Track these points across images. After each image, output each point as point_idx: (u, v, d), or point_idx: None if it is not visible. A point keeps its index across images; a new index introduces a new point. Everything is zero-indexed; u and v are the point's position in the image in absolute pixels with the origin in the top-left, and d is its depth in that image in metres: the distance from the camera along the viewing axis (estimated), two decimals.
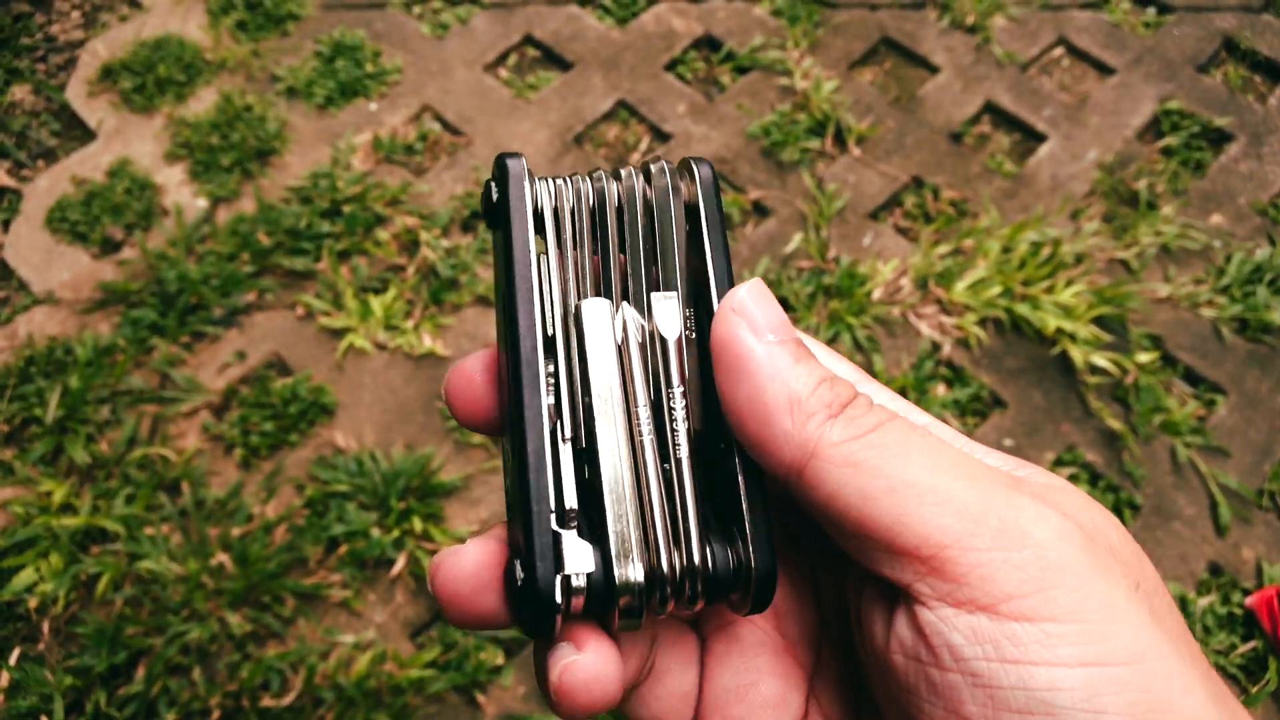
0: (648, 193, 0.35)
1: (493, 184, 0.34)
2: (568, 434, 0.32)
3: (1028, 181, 2.02)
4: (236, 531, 1.58)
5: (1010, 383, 1.76)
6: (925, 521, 0.28)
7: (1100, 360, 1.75)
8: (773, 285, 1.84)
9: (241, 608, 1.52)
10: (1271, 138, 2.09)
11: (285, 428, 1.68)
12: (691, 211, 0.35)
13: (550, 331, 0.33)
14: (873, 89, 2.17)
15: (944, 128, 2.10)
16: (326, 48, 2.19)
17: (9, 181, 2.02)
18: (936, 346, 1.79)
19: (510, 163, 0.33)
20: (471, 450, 1.67)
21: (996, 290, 1.82)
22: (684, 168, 0.36)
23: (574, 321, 0.33)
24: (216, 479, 1.65)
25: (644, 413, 0.32)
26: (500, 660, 1.49)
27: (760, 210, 1.98)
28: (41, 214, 1.95)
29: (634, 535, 0.31)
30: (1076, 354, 1.75)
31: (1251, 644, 1.52)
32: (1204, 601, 1.55)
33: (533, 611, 0.31)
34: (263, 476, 1.64)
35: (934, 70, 2.20)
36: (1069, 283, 1.84)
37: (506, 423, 0.33)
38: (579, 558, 0.31)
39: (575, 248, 0.34)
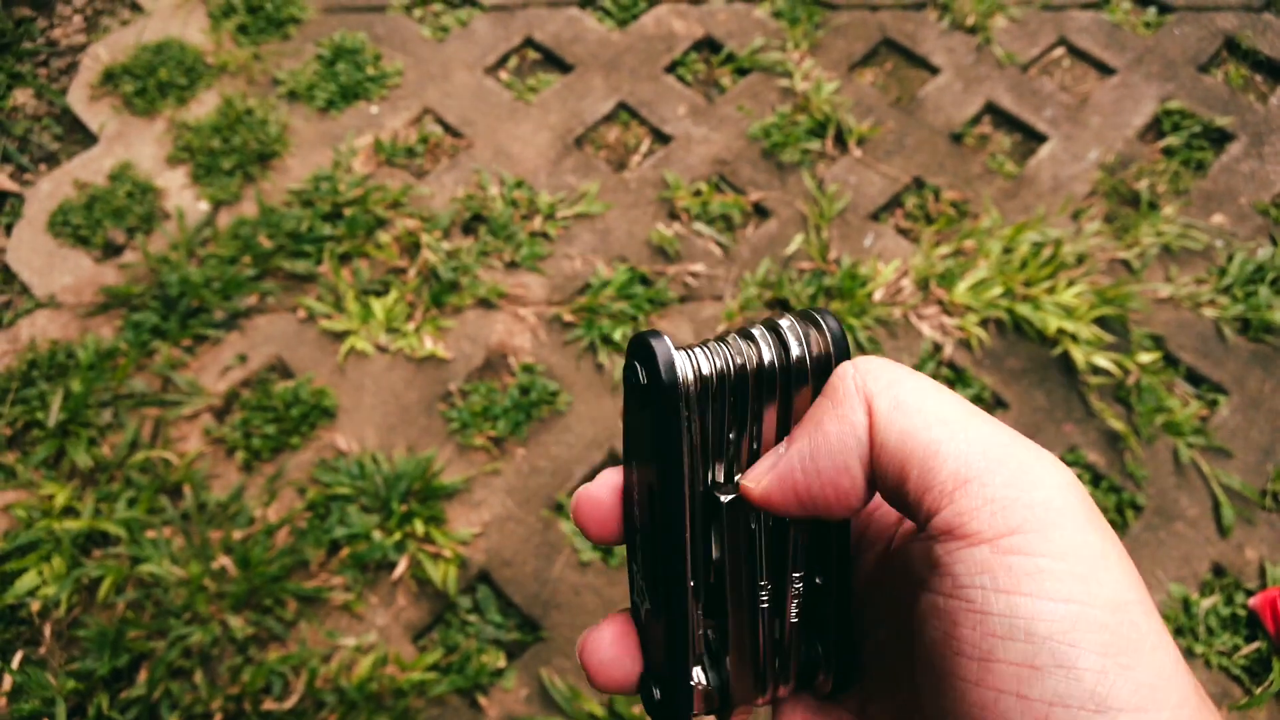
0: (780, 357, 0.36)
1: (639, 366, 0.35)
2: (700, 600, 0.37)
3: (1029, 182, 2.02)
4: (238, 534, 1.58)
5: (1012, 383, 1.76)
6: (955, 454, 0.30)
7: (1102, 361, 1.75)
8: (774, 286, 1.84)
9: (243, 611, 1.52)
10: (1273, 137, 2.08)
11: (287, 430, 1.68)
12: (822, 366, 0.36)
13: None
14: (873, 90, 2.17)
15: (945, 128, 2.10)
16: (327, 51, 2.20)
17: (11, 185, 2.02)
18: (938, 347, 1.79)
19: (657, 346, 0.34)
20: (473, 453, 1.67)
21: (998, 291, 1.82)
22: (810, 320, 0.36)
23: (715, 510, 0.36)
24: (218, 482, 1.65)
25: (764, 581, 0.38)
26: (502, 663, 1.49)
27: (761, 212, 1.98)
28: (43, 218, 1.95)
29: (749, 670, 0.38)
30: (1078, 354, 1.75)
31: (1255, 645, 1.52)
32: (1207, 602, 1.54)
33: None
34: (264, 479, 1.64)
35: (934, 71, 2.20)
36: (1070, 283, 1.84)
37: (635, 552, 0.38)
38: (702, 678, 0.38)
39: (714, 423, 0.36)
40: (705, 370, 0.35)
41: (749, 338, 0.36)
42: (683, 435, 0.35)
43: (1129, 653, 0.27)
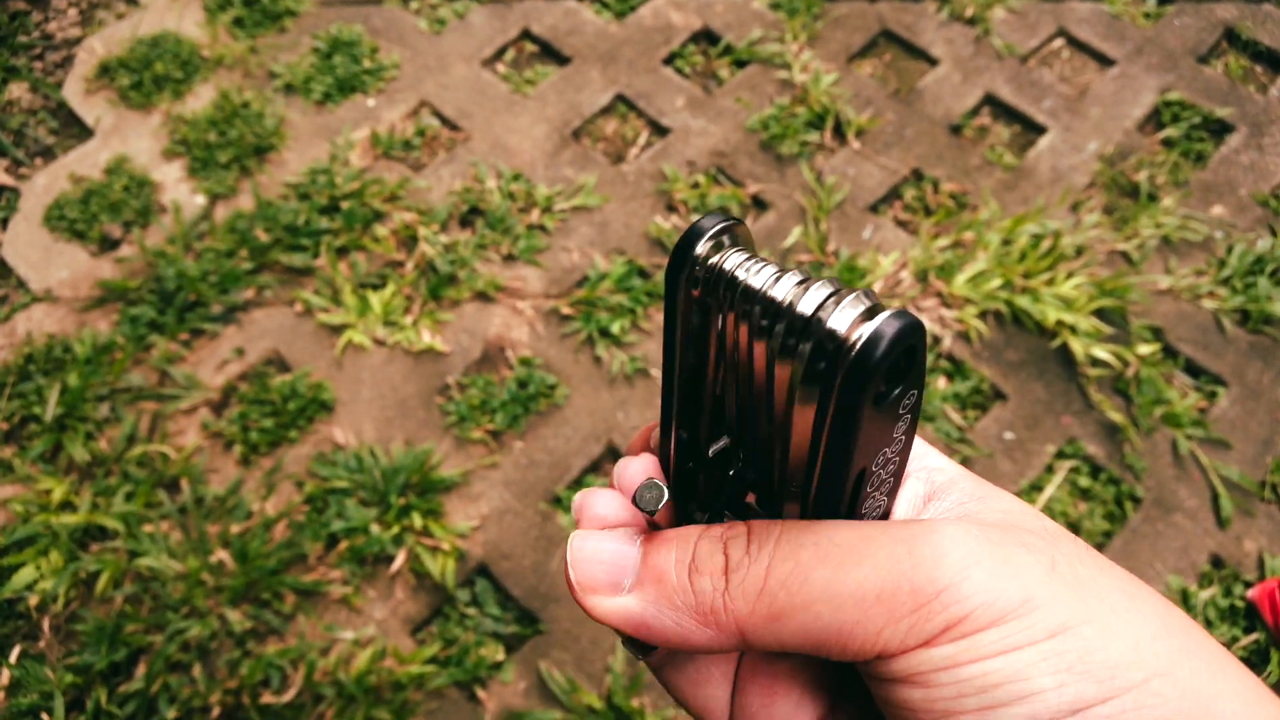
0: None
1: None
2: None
3: (1028, 173, 2.01)
4: (236, 528, 1.58)
5: (1011, 375, 1.76)
6: (852, 627, 0.29)
7: (1101, 352, 1.74)
8: None
9: (241, 605, 1.51)
10: (1272, 128, 2.08)
11: (284, 424, 1.67)
12: (829, 363, 0.30)
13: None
14: (872, 81, 2.16)
15: (944, 120, 2.09)
16: (324, 44, 2.19)
17: (7, 180, 2.01)
18: (937, 339, 1.79)
19: (703, 222, 0.34)
20: (471, 446, 1.67)
21: (997, 283, 1.82)
22: (873, 315, 0.30)
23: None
24: (216, 476, 1.65)
25: None
26: (501, 656, 1.49)
27: (759, 204, 1.98)
28: (40, 212, 1.95)
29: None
30: (1077, 346, 1.75)
31: (1253, 636, 1.52)
32: (1205, 594, 1.54)
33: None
34: (262, 473, 1.64)
35: (933, 62, 2.19)
36: (1069, 275, 1.84)
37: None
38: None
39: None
40: (727, 267, 0.32)
41: (803, 283, 0.31)
42: (678, 310, 0.34)
43: (1083, 662, 0.27)
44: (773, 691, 0.37)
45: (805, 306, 0.30)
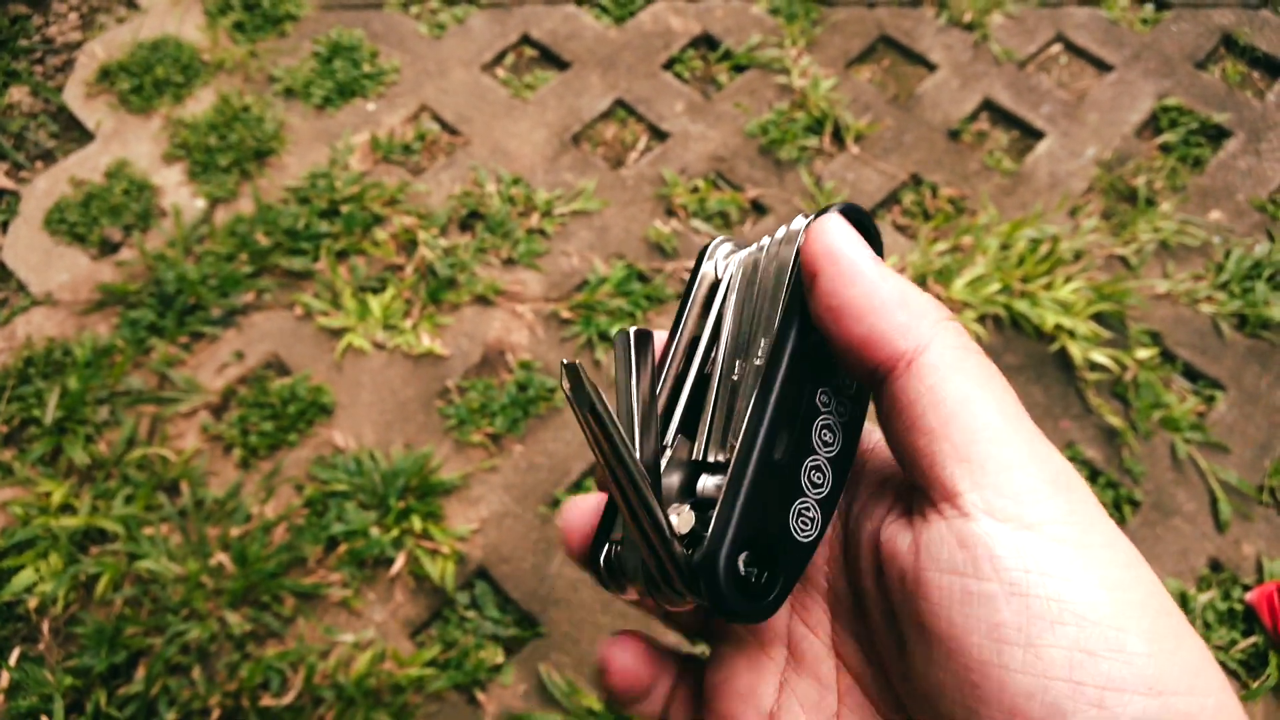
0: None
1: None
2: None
3: (1026, 179, 2.02)
4: (235, 531, 1.58)
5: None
6: (1004, 441, 0.30)
7: (1099, 357, 1.75)
8: None
9: (241, 607, 1.51)
10: (1270, 133, 2.08)
11: (284, 427, 1.68)
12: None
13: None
14: (870, 87, 2.17)
15: (942, 125, 2.10)
16: (324, 48, 2.19)
17: (7, 183, 2.02)
18: None
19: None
20: (470, 449, 1.67)
21: (995, 287, 1.82)
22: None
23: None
24: (215, 479, 1.65)
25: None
26: (500, 659, 1.49)
27: (759, 208, 1.98)
28: (40, 215, 1.95)
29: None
30: (1075, 350, 1.75)
31: (1252, 639, 1.52)
32: (1204, 597, 1.55)
33: (594, 571, 0.40)
34: (261, 476, 1.64)
35: (932, 68, 2.20)
36: (1068, 279, 1.84)
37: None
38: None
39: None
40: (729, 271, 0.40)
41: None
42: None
43: (1171, 639, 0.27)
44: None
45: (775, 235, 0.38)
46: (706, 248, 0.41)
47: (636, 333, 0.37)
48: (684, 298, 0.40)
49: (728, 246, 0.42)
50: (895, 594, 0.32)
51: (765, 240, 0.39)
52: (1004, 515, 0.29)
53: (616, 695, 0.39)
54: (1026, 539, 0.28)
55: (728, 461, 0.35)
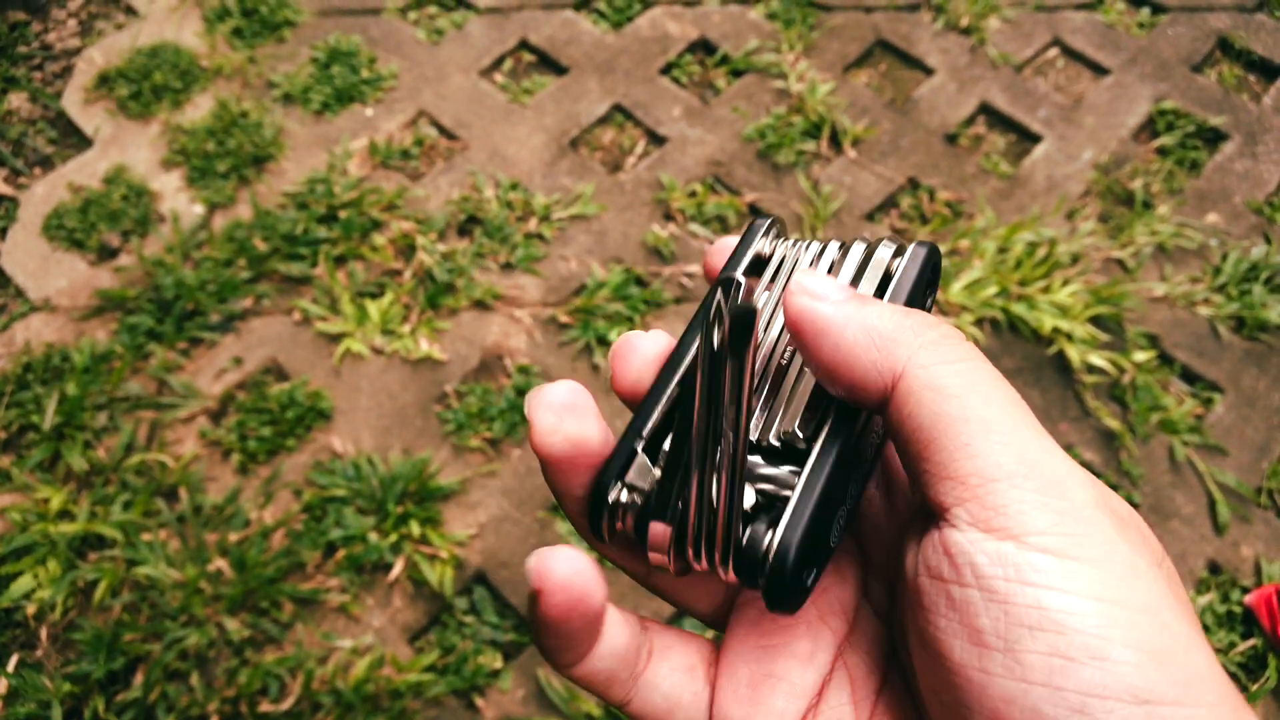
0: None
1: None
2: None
3: (1023, 182, 2.02)
4: (234, 537, 1.58)
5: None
6: (985, 454, 0.30)
7: (1097, 359, 1.75)
8: None
9: (239, 613, 1.51)
10: (1266, 136, 2.09)
11: (282, 433, 1.68)
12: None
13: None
14: (868, 91, 2.17)
15: (939, 129, 2.10)
16: (322, 54, 2.20)
17: (6, 189, 2.02)
18: None
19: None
20: (469, 454, 1.67)
21: (993, 290, 1.82)
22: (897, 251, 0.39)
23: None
24: (214, 485, 1.65)
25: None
26: (499, 664, 1.49)
27: (756, 212, 1.98)
28: (38, 221, 1.95)
29: (690, 490, 0.33)
30: (1073, 353, 1.75)
31: (1251, 642, 1.52)
32: (1203, 600, 1.55)
33: (594, 510, 0.36)
34: (260, 482, 1.64)
35: (929, 72, 2.21)
36: (1065, 282, 1.84)
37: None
38: (641, 473, 0.36)
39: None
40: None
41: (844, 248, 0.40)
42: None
43: (1163, 650, 0.27)
44: (782, 636, 0.37)
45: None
46: (757, 225, 0.42)
47: (737, 284, 0.37)
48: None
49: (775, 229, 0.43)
50: (900, 599, 0.33)
51: (833, 244, 0.40)
52: (989, 527, 0.29)
53: (557, 626, 0.32)
54: (1008, 548, 0.28)
55: (781, 444, 0.36)
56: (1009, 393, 0.32)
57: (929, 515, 0.32)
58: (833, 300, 0.34)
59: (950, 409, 0.31)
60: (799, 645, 0.37)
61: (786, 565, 0.32)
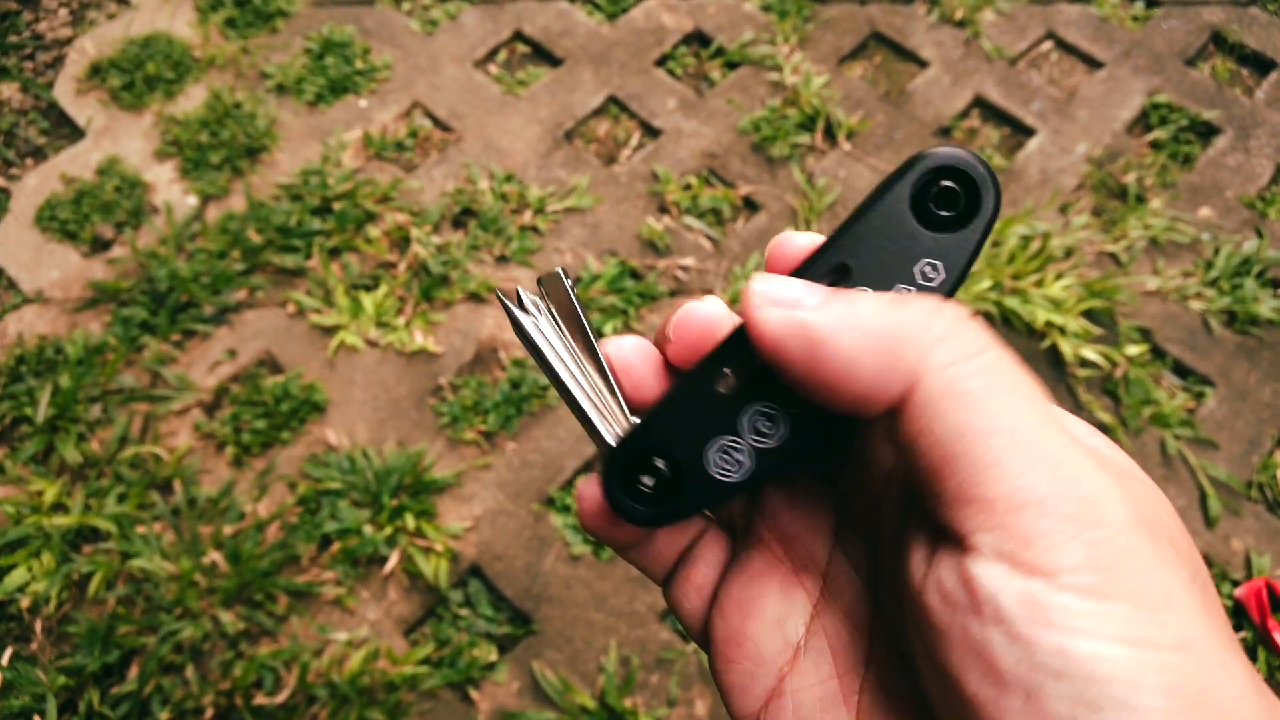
0: None
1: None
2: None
3: (1017, 175, 2.03)
4: (229, 530, 1.58)
5: None
6: (1017, 474, 0.27)
7: (1090, 353, 1.76)
8: None
9: (234, 606, 1.52)
10: (1259, 131, 2.09)
11: (277, 425, 1.68)
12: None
13: None
14: (862, 83, 2.17)
15: (933, 122, 2.10)
16: (316, 44, 2.19)
17: None
18: None
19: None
20: (464, 447, 1.67)
21: (986, 284, 1.83)
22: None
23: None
24: (208, 477, 1.65)
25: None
26: (494, 657, 1.49)
27: (750, 205, 1.99)
28: (31, 212, 1.94)
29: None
30: (1066, 347, 1.76)
31: (1241, 635, 1.53)
32: None
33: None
34: (255, 474, 1.64)
35: (923, 64, 2.20)
36: (1058, 276, 1.85)
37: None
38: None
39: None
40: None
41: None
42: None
43: (1198, 692, 0.25)
44: (759, 587, 0.37)
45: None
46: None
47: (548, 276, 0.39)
48: None
49: None
50: (905, 602, 0.31)
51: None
52: (1016, 561, 0.26)
53: (604, 524, 0.36)
54: (1037, 587, 0.26)
55: None
56: (1031, 388, 0.29)
57: (942, 530, 0.29)
58: (809, 304, 0.30)
59: (973, 419, 0.27)
60: (768, 606, 0.36)
61: (615, 460, 0.35)
